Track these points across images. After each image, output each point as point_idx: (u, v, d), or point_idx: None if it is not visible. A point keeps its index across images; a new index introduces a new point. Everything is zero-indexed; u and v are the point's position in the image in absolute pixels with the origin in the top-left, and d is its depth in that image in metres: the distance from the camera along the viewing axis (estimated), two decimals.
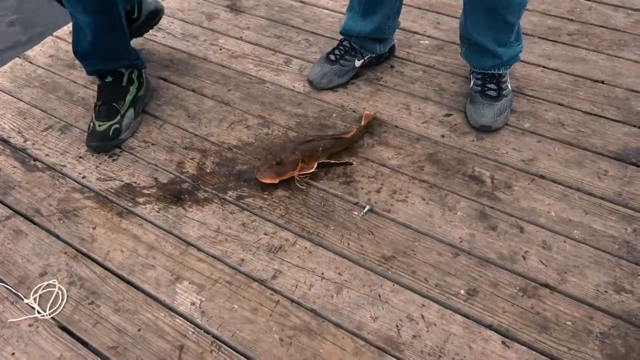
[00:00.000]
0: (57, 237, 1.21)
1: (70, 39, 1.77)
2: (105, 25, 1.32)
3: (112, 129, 1.37)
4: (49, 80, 1.63)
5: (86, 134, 1.41)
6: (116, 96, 1.40)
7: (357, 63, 1.53)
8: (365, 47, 1.50)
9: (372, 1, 1.41)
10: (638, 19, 1.73)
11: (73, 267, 1.15)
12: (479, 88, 1.41)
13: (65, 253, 1.18)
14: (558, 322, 1.01)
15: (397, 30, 1.57)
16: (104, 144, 1.37)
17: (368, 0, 1.41)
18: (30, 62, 1.70)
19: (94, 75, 1.47)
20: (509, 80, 1.45)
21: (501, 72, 1.41)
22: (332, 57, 1.53)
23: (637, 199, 1.21)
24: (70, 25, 1.85)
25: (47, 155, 1.40)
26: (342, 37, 1.55)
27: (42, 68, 1.68)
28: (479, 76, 1.43)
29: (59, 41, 1.79)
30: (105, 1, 1.29)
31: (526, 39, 1.64)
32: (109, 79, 1.41)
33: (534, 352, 0.97)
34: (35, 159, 1.39)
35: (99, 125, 1.36)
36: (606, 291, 1.05)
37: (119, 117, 1.38)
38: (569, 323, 1.01)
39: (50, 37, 1.81)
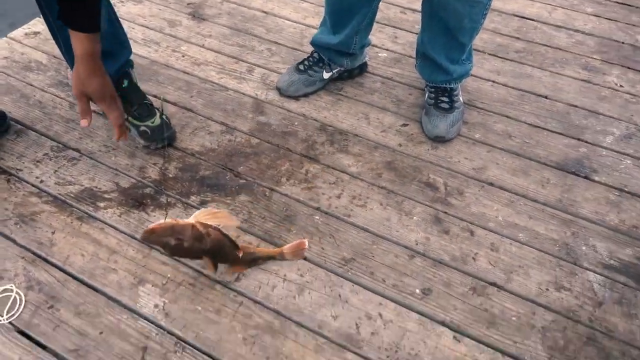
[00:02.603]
0: (14, 241, 1.19)
1: (25, 41, 1.74)
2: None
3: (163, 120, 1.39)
4: (2, 82, 1.60)
5: (43, 136, 1.38)
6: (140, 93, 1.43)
7: (326, 75, 1.58)
8: (333, 59, 1.56)
9: (341, 16, 1.46)
10: (578, 39, 1.87)
11: (31, 271, 1.13)
12: (433, 101, 1.49)
13: (23, 258, 1.16)
14: (504, 318, 1.08)
15: (367, 48, 1.62)
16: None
17: (337, 16, 1.47)
18: None
19: None
20: (460, 93, 1.54)
21: (452, 86, 1.49)
22: (302, 67, 1.58)
23: (576, 204, 1.31)
24: (25, 27, 1.82)
25: (1, 159, 1.37)
26: (310, 49, 1.61)
27: None
28: (432, 89, 1.51)
29: (13, 42, 1.75)
30: None
31: (477, 54, 1.74)
32: (125, 83, 1.40)
33: (482, 346, 1.04)
34: None
35: (152, 122, 1.38)
36: (547, 289, 1.14)
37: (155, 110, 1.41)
38: (514, 318, 1.08)
39: (4, 38, 1.77)
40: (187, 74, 1.66)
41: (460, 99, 1.53)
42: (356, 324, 1.06)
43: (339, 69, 1.59)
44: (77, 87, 1.11)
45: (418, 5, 1.46)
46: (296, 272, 1.15)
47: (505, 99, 1.63)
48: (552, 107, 1.60)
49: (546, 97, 1.64)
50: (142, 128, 1.37)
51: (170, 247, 1.00)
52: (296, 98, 1.59)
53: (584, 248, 1.22)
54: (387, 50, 1.79)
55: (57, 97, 1.55)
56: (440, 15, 1.34)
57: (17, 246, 1.18)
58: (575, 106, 1.60)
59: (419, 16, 1.46)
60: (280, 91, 1.59)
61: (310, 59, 1.59)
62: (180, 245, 0.99)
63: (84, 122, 1.14)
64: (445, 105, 1.47)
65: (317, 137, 1.47)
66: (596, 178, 1.38)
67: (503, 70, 1.74)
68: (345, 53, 1.55)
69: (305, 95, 1.59)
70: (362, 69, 1.66)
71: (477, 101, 1.61)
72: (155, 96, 1.56)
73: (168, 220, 1.00)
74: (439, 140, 1.46)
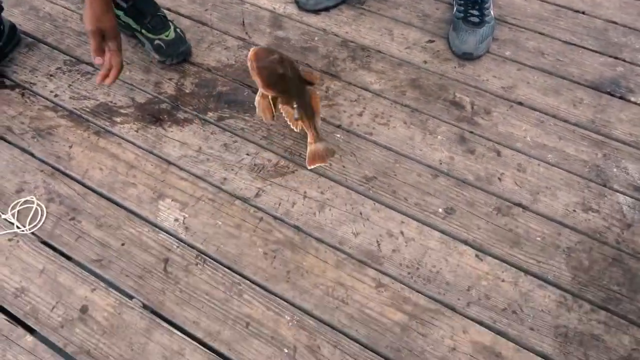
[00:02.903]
0: (32, 155, 1.18)
1: None
2: None
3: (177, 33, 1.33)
4: None
5: (55, 50, 1.34)
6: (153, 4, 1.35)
7: None
8: None
9: None
10: None
11: (51, 184, 1.13)
12: (462, 14, 1.40)
13: (42, 171, 1.15)
14: (528, 238, 1.06)
15: None
16: None
17: None
18: None
19: None
20: (492, 7, 1.44)
21: None
22: None
23: (609, 125, 1.25)
24: None
25: (14, 72, 1.34)
26: None
27: None
28: (462, 2, 1.41)
29: None
30: None
31: None
32: None
33: (505, 264, 1.03)
34: (2, 76, 1.32)
35: (167, 35, 1.31)
36: (574, 210, 1.11)
37: None
38: (539, 239, 1.06)
39: None
40: None
41: (492, 13, 1.43)
42: (377, 241, 1.05)
43: None
44: (92, 23, 1.08)
45: None
46: (316, 189, 1.13)
47: (539, 14, 1.52)
48: (590, 24, 1.50)
49: (583, 13, 1.53)
50: (157, 42, 1.31)
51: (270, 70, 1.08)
52: (316, 12, 1.50)
53: (614, 170, 1.17)
54: None
55: (68, 9, 1.48)
56: None
57: (35, 159, 1.17)
58: (615, 22, 1.50)
59: None
60: (299, 4, 1.50)
61: None
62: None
63: (98, 60, 1.12)
64: (475, 19, 1.38)
65: (338, 53, 1.40)
66: (632, 98, 1.31)
67: None
68: None
69: (326, 9, 1.50)
70: None
71: (508, 16, 1.51)
72: (168, 9, 1.49)
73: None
74: (467, 57, 1.38)
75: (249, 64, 1.10)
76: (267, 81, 1.09)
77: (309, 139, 1.12)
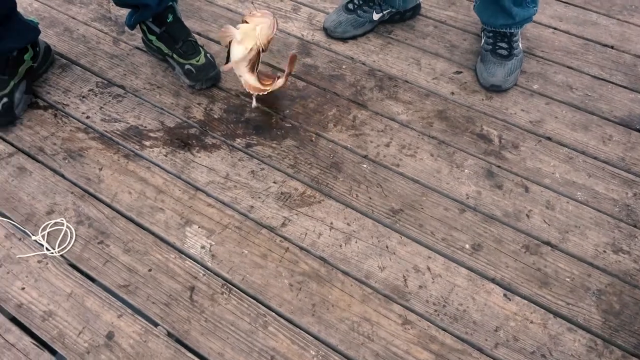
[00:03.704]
0: (63, 176, 1.20)
1: None
2: None
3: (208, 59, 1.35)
4: (46, 15, 1.57)
5: (88, 72, 1.37)
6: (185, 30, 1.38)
7: (375, 16, 1.49)
8: None
9: None
10: None
11: (80, 206, 1.14)
12: (490, 46, 1.40)
13: (72, 193, 1.17)
14: (558, 278, 1.05)
15: None
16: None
17: None
18: None
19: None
20: (520, 40, 1.44)
21: (513, 31, 1.39)
22: (350, 6, 1.50)
23: (639, 164, 1.24)
24: None
25: (48, 93, 1.36)
26: None
27: (39, 2, 1.61)
28: (490, 34, 1.41)
29: None
30: None
31: None
32: (170, 18, 1.35)
33: (533, 305, 1.01)
34: (36, 96, 1.35)
35: (197, 60, 1.34)
36: (605, 251, 1.09)
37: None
38: (568, 279, 1.05)
39: None
40: (231, 11, 1.59)
41: (520, 45, 1.43)
42: (404, 276, 1.05)
43: (389, 9, 1.50)
44: None
45: None
46: (343, 220, 1.13)
47: (567, 47, 1.52)
48: (619, 59, 1.49)
49: (612, 47, 1.52)
50: (187, 66, 1.33)
51: None
52: (344, 40, 1.52)
53: None
54: None
55: (101, 31, 1.52)
56: None
57: (66, 181, 1.19)
58: None
59: None
60: (327, 32, 1.52)
61: None
62: None
63: None
64: (504, 52, 1.38)
65: (365, 81, 1.41)
66: None
67: (566, 17, 1.61)
68: None
69: (354, 37, 1.52)
70: (415, 11, 1.56)
71: (536, 49, 1.51)
72: (198, 34, 1.51)
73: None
74: (495, 89, 1.38)
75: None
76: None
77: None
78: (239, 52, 1.20)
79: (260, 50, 1.20)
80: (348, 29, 1.50)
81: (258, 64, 1.23)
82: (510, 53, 1.38)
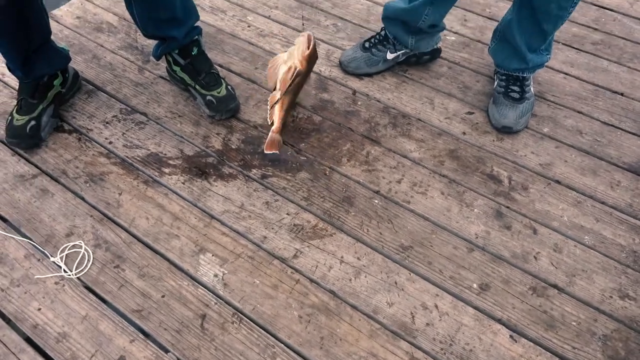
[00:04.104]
0: (83, 199, 1.24)
1: (97, 2, 1.77)
2: None
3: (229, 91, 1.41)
4: (76, 42, 1.64)
5: (112, 98, 1.42)
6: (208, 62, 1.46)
7: (389, 55, 1.54)
8: (398, 37, 1.51)
9: None
10: None
11: (99, 230, 1.18)
12: (503, 89, 1.44)
13: (92, 216, 1.20)
14: (564, 322, 1.06)
15: (440, 33, 1.55)
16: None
17: None
18: (57, 22, 1.70)
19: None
20: (532, 84, 1.48)
21: (525, 75, 1.43)
22: (367, 44, 1.55)
23: None
24: None
25: (73, 117, 1.42)
26: (378, 27, 1.56)
27: (69, 29, 1.68)
28: (503, 77, 1.46)
29: (87, 3, 1.78)
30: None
31: None
32: (195, 51, 1.42)
33: (539, 348, 1.02)
34: (62, 120, 1.40)
35: (218, 92, 1.40)
36: (611, 296, 1.10)
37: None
38: (574, 323, 1.06)
39: None
40: (253, 44, 1.65)
41: (532, 89, 1.47)
42: (411, 313, 1.06)
43: (404, 50, 1.55)
44: None
45: None
46: (353, 254, 1.15)
47: (578, 93, 1.55)
48: (628, 105, 1.52)
49: (622, 94, 1.55)
50: (209, 97, 1.38)
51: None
52: (359, 77, 1.56)
53: None
54: (455, 33, 1.73)
55: (127, 60, 1.58)
56: None
57: (86, 204, 1.23)
58: None
59: None
60: (341, 65, 1.57)
61: (377, 36, 1.56)
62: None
63: None
64: (516, 95, 1.42)
65: (379, 118, 1.45)
66: None
67: (577, 63, 1.65)
68: (412, 28, 1.47)
69: (368, 75, 1.56)
70: (434, 55, 1.60)
71: (547, 93, 1.55)
72: (220, 65, 1.57)
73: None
74: (506, 131, 1.41)
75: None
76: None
77: (274, 127, 1.32)
78: (282, 70, 1.32)
79: (298, 69, 1.30)
80: (361, 65, 1.55)
81: (296, 90, 1.34)
82: (522, 96, 1.42)
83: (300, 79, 1.33)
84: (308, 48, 1.29)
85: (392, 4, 1.49)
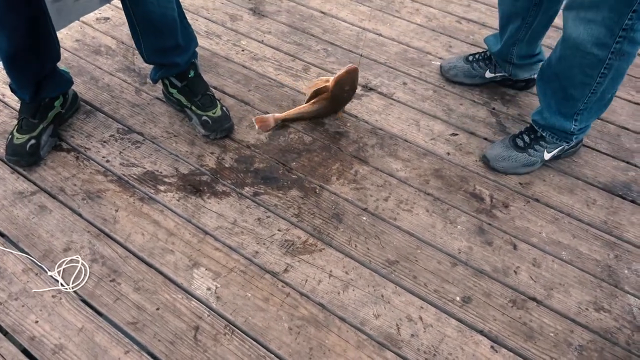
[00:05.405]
0: (80, 215, 1.28)
1: (96, 26, 1.84)
2: None
3: (223, 111, 1.48)
4: (75, 64, 1.69)
5: (110, 118, 1.47)
6: (204, 84, 1.52)
7: (488, 75, 1.65)
8: (498, 63, 1.61)
9: (503, 26, 1.50)
10: (636, 62, 1.85)
11: (96, 245, 1.22)
12: (517, 132, 1.45)
13: (89, 232, 1.24)
14: (542, 333, 1.11)
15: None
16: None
17: (501, 25, 1.52)
18: None
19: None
20: (547, 151, 1.40)
21: (540, 132, 1.39)
22: (470, 57, 1.67)
23: (620, 228, 1.32)
24: (96, 12, 1.91)
25: (72, 137, 1.46)
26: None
27: (69, 52, 1.74)
28: (528, 126, 1.43)
29: (86, 27, 1.85)
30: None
31: None
32: (192, 73, 1.49)
33: (519, 358, 1.07)
34: (60, 139, 1.45)
35: (214, 113, 1.45)
36: (587, 309, 1.16)
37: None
38: (552, 334, 1.11)
39: (77, 21, 1.87)
40: (246, 68, 1.72)
41: (544, 156, 1.41)
42: (397, 325, 1.11)
43: (502, 73, 1.63)
44: None
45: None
46: (342, 269, 1.20)
47: None
48: (603, 128, 1.60)
49: (598, 118, 1.63)
50: (204, 118, 1.44)
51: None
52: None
53: (626, 272, 1.23)
54: (440, 58, 1.81)
55: (124, 81, 1.64)
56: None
57: (83, 220, 1.27)
58: (627, 129, 1.60)
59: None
60: (441, 69, 1.72)
61: (483, 53, 1.65)
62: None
63: None
64: (520, 143, 1.41)
65: (367, 139, 1.51)
66: None
67: None
68: (505, 60, 1.56)
69: (462, 84, 1.68)
70: (528, 84, 1.65)
71: (527, 116, 1.62)
72: (215, 87, 1.63)
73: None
74: (484, 160, 1.45)
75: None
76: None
77: (278, 114, 1.50)
78: (315, 81, 1.53)
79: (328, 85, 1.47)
80: (459, 75, 1.68)
81: (319, 106, 1.51)
82: (525, 148, 1.41)
83: (327, 97, 1.49)
84: (345, 73, 1.44)
85: (487, 40, 1.62)
